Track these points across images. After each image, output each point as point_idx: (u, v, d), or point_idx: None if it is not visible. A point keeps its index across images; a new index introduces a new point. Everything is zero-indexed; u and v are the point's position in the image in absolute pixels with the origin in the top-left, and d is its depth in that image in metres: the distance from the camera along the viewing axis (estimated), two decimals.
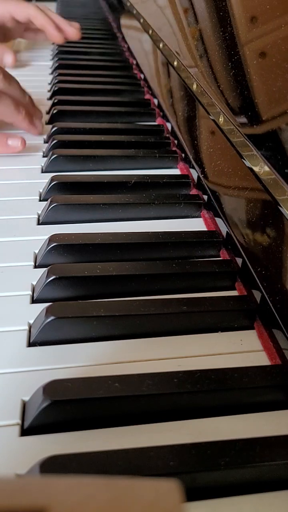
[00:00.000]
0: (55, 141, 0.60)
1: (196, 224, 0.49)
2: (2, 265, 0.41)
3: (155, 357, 0.34)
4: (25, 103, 0.64)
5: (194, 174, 0.54)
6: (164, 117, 0.70)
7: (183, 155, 0.59)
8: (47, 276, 0.37)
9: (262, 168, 0.39)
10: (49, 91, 0.81)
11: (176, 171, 0.58)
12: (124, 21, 1.11)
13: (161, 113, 0.71)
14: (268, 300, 0.34)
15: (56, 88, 0.78)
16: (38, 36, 0.95)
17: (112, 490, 0.15)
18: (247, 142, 0.40)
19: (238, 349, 0.35)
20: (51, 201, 0.47)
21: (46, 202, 0.49)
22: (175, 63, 0.64)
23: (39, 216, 0.48)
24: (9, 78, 0.62)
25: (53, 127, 0.64)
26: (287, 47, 0.38)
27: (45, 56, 1.00)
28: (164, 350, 0.34)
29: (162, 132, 0.67)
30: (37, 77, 0.89)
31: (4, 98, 0.60)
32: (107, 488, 0.15)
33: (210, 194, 0.47)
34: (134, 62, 0.93)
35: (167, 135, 0.66)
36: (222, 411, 0.30)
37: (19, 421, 0.29)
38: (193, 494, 0.25)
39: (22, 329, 0.35)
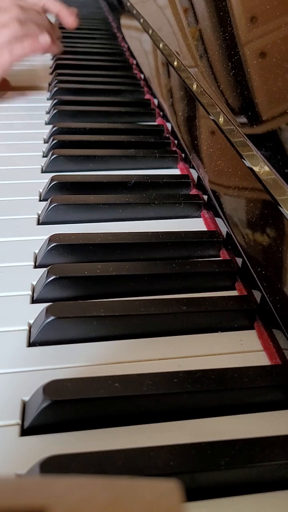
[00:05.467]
0: (55, 141, 0.60)
1: (196, 224, 0.49)
2: (2, 265, 0.41)
3: (155, 357, 0.34)
4: (45, 25, 0.75)
5: (194, 174, 0.54)
6: (164, 117, 0.70)
7: (183, 155, 0.59)
8: (47, 276, 0.37)
9: (262, 168, 0.39)
10: (49, 91, 0.81)
11: (176, 171, 0.58)
12: (124, 21, 1.11)
13: (161, 113, 0.71)
14: (268, 300, 0.34)
15: (56, 88, 0.78)
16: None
17: (112, 490, 0.15)
18: (247, 142, 0.40)
19: (238, 349, 0.35)
20: (51, 201, 0.47)
21: (46, 202, 0.48)
22: (175, 63, 0.64)
23: (39, 216, 0.48)
24: (26, 8, 0.74)
25: (53, 127, 0.64)
26: (287, 47, 0.38)
27: (45, 56, 1.00)
28: (164, 350, 0.34)
29: (162, 132, 0.67)
30: (37, 77, 0.88)
31: (28, 23, 0.72)
32: (107, 488, 0.15)
33: (210, 194, 0.47)
34: (134, 62, 0.93)
35: (167, 135, 0.66)
36: (222, 411, 0.30)
37: (19, 421, 0.29)
38: (193, 494, 0.25)
39: (22, 329, 0.35)
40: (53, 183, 0.51)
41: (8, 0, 0.73)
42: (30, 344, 0.34)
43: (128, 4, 1.00)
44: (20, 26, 0.72)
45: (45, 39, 0.72)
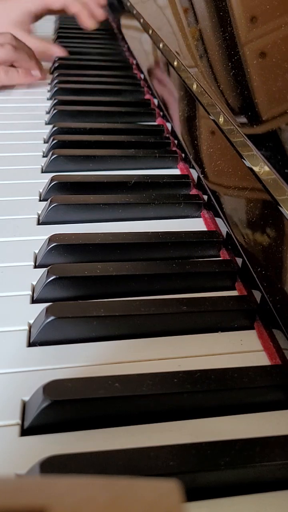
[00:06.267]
0: (55, 141, 0.60)
1: (196, 224, 0.49)
2: (2, 265, 0.41)
3: (155, 357, 0.34)
4: (32, 56, 0.79)
5: (194, 174, 0.54)
6: (164, 117, 0.70)
7: (183, 155, 0.59)
8: (47, 276, 0.37)
9: (262, 168, 0.39)
10: (49, 91, 0.81)
11: (176, 171, 0.58)
12: (124, 21, 1.11)
13: (161, 113, 0.71)
14: (268, 300, 0.34)
15: (56, 88, 0.78)
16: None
17: (112, 490, 0.15)
18: (247, 142, 0.40)
19: (238, 349, 0.35)
20: (51, 201, 0.47)
21: (46, 202, 0.48)
22: (175, 63, 0.64)
23: (39, 216, 0.48)
24: (17, 39, 0.76)
25: (53, 127, 0.64)
26: (287, 47, 0.38)
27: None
28: (164, 350, 0.34)
29: (162, 132, 0.67)
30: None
31: (21, 52, 0.75)
32: (107, 488, 0.15)
33: (210, 194, 0.47)
34: (134, 62, 0.93)
35: (167, 135, 0.66)
36: (222, 411, 0.30)
37: (19, 421, 0.29)
38: (193, 494, 0.25)
39: (22, 329, 0.35)
40: (53, 183, 0.51)
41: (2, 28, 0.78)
42: (30, 344, 0.34)
43: (128, 4, 1.00)
44: (14, 51, 0.75)
45: (36, 73, 0.78)
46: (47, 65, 0.89)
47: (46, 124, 0.69)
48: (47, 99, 0.78)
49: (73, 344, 0.34)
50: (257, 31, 0.43)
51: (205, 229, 0.48)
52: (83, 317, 0.34)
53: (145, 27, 0.84)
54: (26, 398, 0.30)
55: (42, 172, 0.57)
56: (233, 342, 0.35)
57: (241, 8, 0.47)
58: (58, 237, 0.42)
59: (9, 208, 0.49)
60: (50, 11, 0.95)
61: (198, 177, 0.52)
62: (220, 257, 0.44)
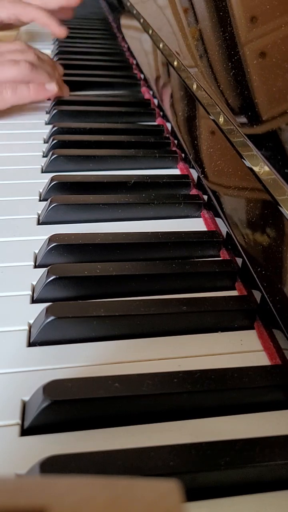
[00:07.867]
0: (55, 141, 0.60)
1: (196, 224, 0.49)
2: (2, 265, 0.41)
3: (155, 357, 0.34)
4: (55, 75, 0.75)
5: (194, 174, 0.54)
6: (164, 117, 0.70)
7: (183, 155, 0.59)
8: (47, 276, 0.37)
9: (262, 168, 0.39)
10: None
11: (176, 171, 0.58)
12: (124, 21, 1.11)
13: (161, 113, 0.71)
14: (268, 300, 0.34)
15: None
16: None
17: (112, 490, 0.15)
18: (247, 142, 0.40)
19: (238, 349, 0.35)
20: (51, 201, 0.47)
21: (46, 202, 0.49)
22: (175, 63, 0.64)
23: (39, 216, 0.48)
24: (42, 58, 0.73)
25: (53, 127, 0.64)
26: (287, 47, 0.38)
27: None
28: (164, 350, 0.34)
29: (162, 132, 0.67)
30: None
31: (39, 70, 0.71)
32: (107, 488, 0.15)
33: (210, 194, 0.47)
34: (134, 62, 0.93)
35: (167, 135, 0.66)
36: (222, 411, 0.30)
37: (19, 421, 0.29)
38: (193, 494, 0.25)
39: (22, 329, 0.35)
40: (53, 183, 0.51)
41: (26, 45, 0.74)
42: (30, 344, 0.34)
43: (128, 4, 1.00)
44: (30, 69, 0.70)
45: (52, 87, 0.72)
46: None
47: (46, 124, 0.69)
48: (47, 99, 0.78)
49: (73, 344, 0.34)
50: (257, 31, 0.43)
51: (205, 229, 0.48)
52: (83, 317, 0.34)
53: (145, 27, 0.84)
54: (26, 398, 0.30)
55: (42, 172, 0.57)
56: (233, 342, 0.35)
57: (241, 8, 0.47)
58: (58, 237, 0.42)
59: (9, 208, 0.49)
60: (19, 22, 0.94)
61: (198, 177, 0.52)
62: (220, 257, 0.44)
